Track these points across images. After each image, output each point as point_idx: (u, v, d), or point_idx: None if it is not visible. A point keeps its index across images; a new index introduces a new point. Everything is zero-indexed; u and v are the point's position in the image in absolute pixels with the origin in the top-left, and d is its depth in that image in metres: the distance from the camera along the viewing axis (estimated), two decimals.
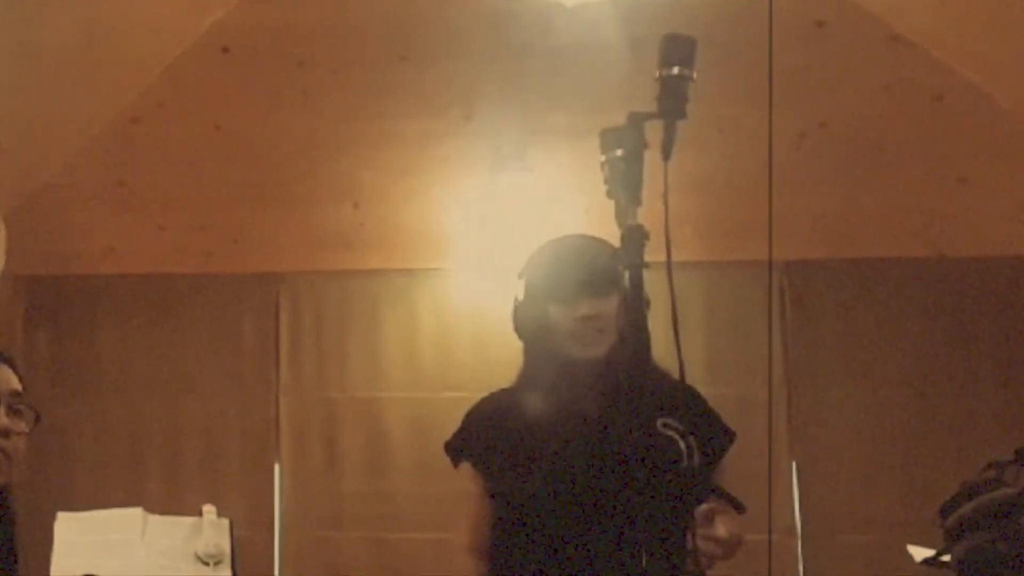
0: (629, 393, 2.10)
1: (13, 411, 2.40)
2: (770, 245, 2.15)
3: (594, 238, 2.94)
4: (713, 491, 2.86)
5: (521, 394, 3.04)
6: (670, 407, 2.88)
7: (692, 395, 3.00)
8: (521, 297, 3.03)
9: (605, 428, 2.85)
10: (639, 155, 2.15)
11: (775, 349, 5.82)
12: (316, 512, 5.77)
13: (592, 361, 2.90)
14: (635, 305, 2.11)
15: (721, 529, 2.71)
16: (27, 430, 2.43)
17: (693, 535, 2.54)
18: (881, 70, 5.33)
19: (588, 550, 2.87)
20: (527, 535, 2.94)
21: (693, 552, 2.56)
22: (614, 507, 2.77)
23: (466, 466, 3.08)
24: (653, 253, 2.14)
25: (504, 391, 3.11)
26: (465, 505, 3.08)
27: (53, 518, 3.69)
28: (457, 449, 3.13)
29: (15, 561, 2.42)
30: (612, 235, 2.18)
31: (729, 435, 3.10)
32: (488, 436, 3.05)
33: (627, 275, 2.12)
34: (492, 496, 3.03)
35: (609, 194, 2.17)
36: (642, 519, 2.06)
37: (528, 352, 3.08)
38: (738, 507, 2.86)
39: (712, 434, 3.06)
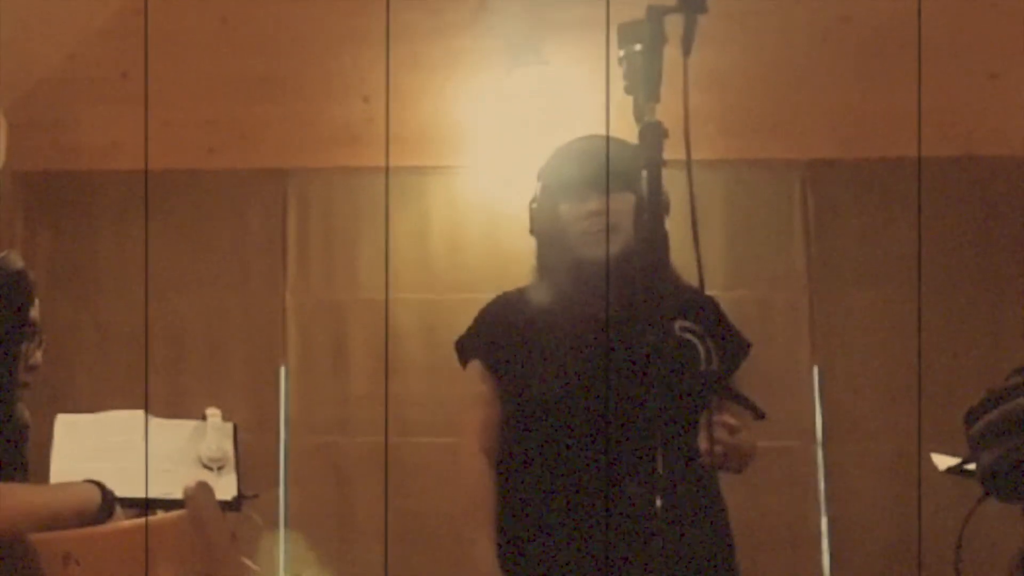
0: (645, 293, 2.04)
1: (38, 344, 2.39)
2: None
3: (613, 138, 2.92)
4: (732, 396, 2.84)
5: (534, 294, 3.03)
6: (687, 311, 2.86)
7: (709, 302, 2.98)
8: (538, 197, 3.04)
9: (619, 329, 2.83)
10: (658, 50, 2.09)
11: (797, 249, 5.77)
12: (322, 416, 5.71)
13: (602, 260, 2.88)
14: (652, 203, 2.05)
15: (731, 418, 2.70)
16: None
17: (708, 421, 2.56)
18: None
19: (601, 453, 2.84)
20: (538, 437, 2.92)
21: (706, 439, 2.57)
22: (629, 409, 2.75)
23: (476, 365, 3.09)
24: (673, 151, 2.08)
25: (518, 291, 3.13)
26: (473, 406, 3.06)
27: (52, 420, 3.64)
28: (468, 347, 3.14)
29: (25, 470, 2.40)
30: (630, 132, 2.11)
31: (745, 346, 3.09)
32: (500, 335, 3.06)
33: (644, 173, 2.04)
34: (503, 397, 3.01)
35: (627, 90, 2.11)
36: (658, 422, 2.00)
37: (541, 252, 3.08)
38: (757, 413, 2.83)
39: (729, 342, 3.05)
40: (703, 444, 2.61)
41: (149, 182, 5.77)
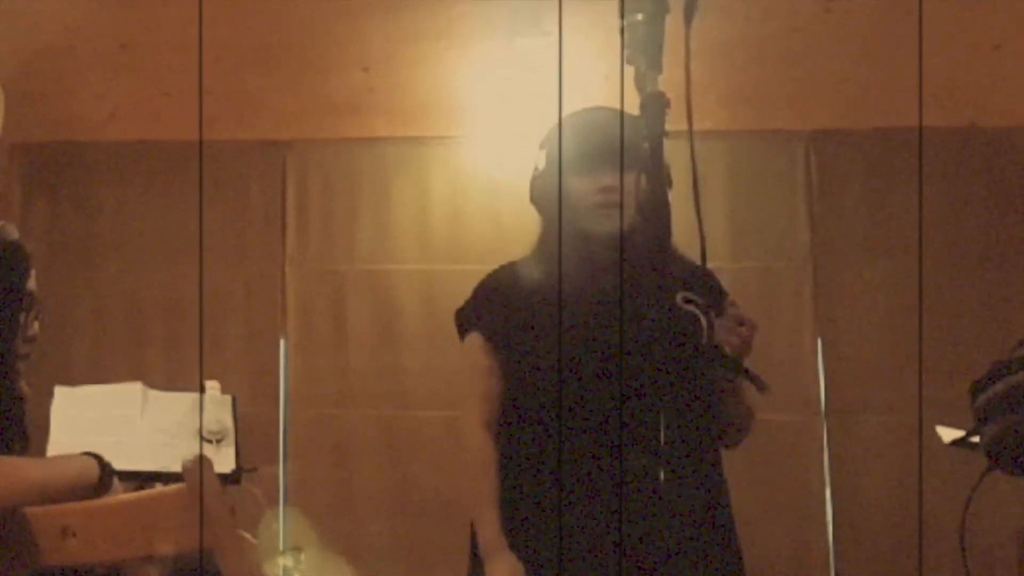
0: (649, 266, 2.02)
1: (35, 315, 2.38)
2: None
3: (617, 110, 2.90)
4: (735, 367, 2.82)
5: (536, 266, 3.02)
6: (688, 283, 2.84)
7: (709, 275, 2.96)
8: (541, 168, 3.00)
9: (623, 301, 2.81)
10: (660, 19, 2.05)
11: (800, 220, 5.74)
12: (322, 389, 5.69)
13: (610, 235, 2.86)
14: (655, 175, 2.02)
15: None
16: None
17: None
18: None
19: (604, 426, 2.83)
20: (540, 410, 2.90)
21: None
22: (632, 382, 2.73)
23: (476, 337, 3.07)
24: (675, 122, 2.05)
25: (518, 262, 3.10)
26: (474, 379, 3.04)
27: (50, 393, 3.62)
28: (467, 319, 3.11)
29: (26, 441, 2.39)
30: (632, 103, 2.08)
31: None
32: (501, 307, 3.03)
33: (647, 144, 2.02)
34: (503, 370, 2.99)
35: (629, 60, 2.07)
36: (662, 395, 1.98)
37: (545, 224, 3.05)
38: (761, 386, 2.81)
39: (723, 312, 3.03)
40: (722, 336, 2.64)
41: (146, 153, 5.75)
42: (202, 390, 3.62)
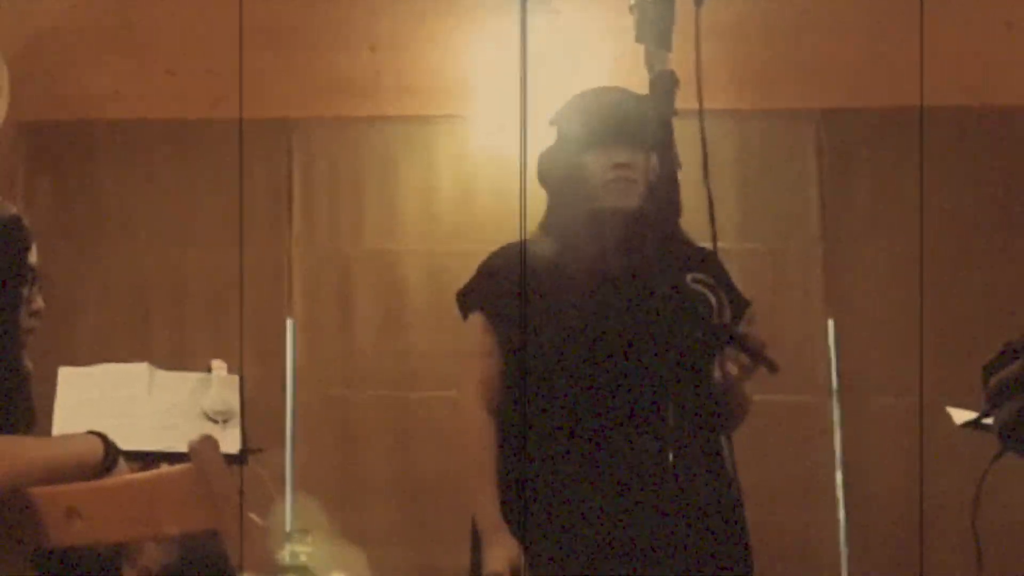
0: (658, 245, 2.02)
1: (39, 290, 2.39)
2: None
3: (629, 91, 2.90)
4: (745, 348, 2.81)
5: (543, 244, 3.00)
6: (695, 268, 2.84)
7: (714, 260, 2.95)
8: (551, 144, 3.00)
9: (631, 281, 2.81)
10: None
11: (811, 200, 5.71)
12: (329, 370, 5.68)
13: (621, 212, 2.86)
14: (664, 154, 2.01)
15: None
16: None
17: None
18: None
19: (609, 407, 2.82)
20: (543, 391, 2.89)
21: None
22: (640, 363, 2.73)
23: (478, 317, 3.06)
24: (684, 102, 2.05)
25: (522, 242, 3.06)
26: (474, 359, 3.04)
27: (54, 373, 3.61)
28: (469, 299, 3.11)
29: (32, 417, 2.38)
30: (642, 82, 2.07)
31: (744, 303, 3.07)
32: (505, 286, 3.01)
33: (656, 123, 2.01)
34: (505, 350, 2.98)
35: (638, 38, 2.07)
36: (671, 375, 1.98)
37: (553, 201, 3.04)
38: (771, 367, 2.80)
39: (730, 297, 3.03)
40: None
41: (154, 131, 5.73)
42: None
